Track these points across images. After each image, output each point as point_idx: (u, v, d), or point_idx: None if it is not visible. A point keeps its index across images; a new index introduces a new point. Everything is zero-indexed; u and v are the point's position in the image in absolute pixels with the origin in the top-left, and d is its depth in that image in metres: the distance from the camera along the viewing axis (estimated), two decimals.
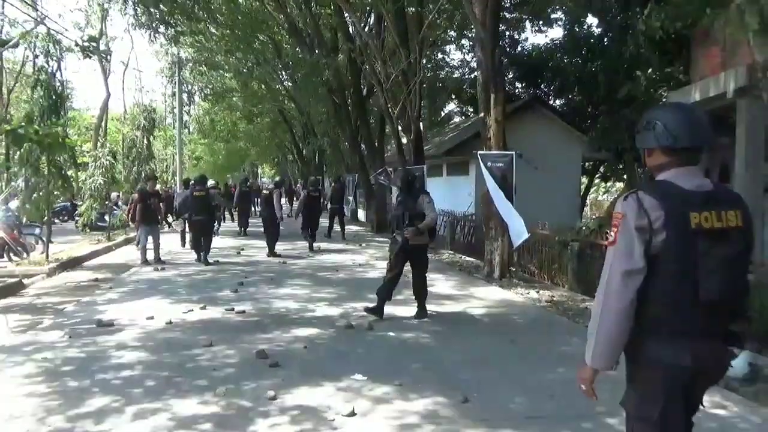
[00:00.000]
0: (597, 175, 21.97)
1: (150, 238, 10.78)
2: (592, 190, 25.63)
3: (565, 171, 16.43)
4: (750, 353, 4.65)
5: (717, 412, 3.87)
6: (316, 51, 17.32)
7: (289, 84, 24.73)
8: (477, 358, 4.93)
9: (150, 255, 10.74)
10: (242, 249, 12.82)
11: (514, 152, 8.86)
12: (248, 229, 16.44)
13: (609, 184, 25.91)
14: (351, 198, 23.40)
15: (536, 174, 13.95)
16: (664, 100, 11.41)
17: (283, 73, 23.87)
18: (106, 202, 15.40)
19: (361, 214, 24.27)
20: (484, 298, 7.69)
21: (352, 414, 3.66)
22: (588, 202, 24.35)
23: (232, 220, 19.25)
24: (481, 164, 8.80)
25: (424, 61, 13.71)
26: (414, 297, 6.49)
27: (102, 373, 4.43)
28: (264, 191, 12.96)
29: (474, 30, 9.24)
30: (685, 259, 1.90)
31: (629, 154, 13.63)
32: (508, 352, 5.17)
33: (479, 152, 8.95)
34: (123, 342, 5.30)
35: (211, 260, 10.53)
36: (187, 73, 30.13)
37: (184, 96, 35.01)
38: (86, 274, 9.55)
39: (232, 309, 6.68)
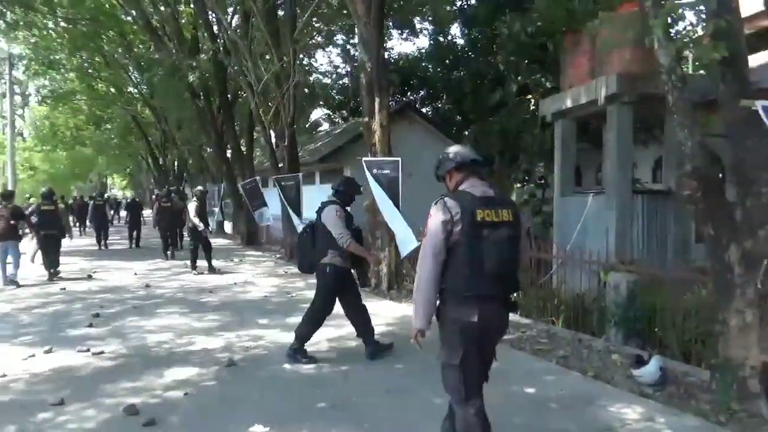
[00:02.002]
0: None
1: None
2: None
3: None
4: (660, 358, 4.65)
5: (632, 417, 3.80)
6: (174, 51, 15.88)
7: (144, 87, 22.62)
8: (393, 388, 4.40)
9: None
10: (94, 272, 11.17)
11: (400, 159, 8.51)
12: (108, 242, 16.27)
13: None
14: (216, 209, 21.90)
15: (411, 180, 13.88)
16: (533, 107, 11.83)
17: (137, 74, 21.74)
18: None
19: (228, 227, 22.86)
20: (378, 314, 7.21)
21: None
22: None
23: (80, 234, 17.28)
24: (367, 171, 8.34)
25: (298, 63, 12.99)
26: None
27: None
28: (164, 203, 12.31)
29: (357, 30, 8.76)
30: (474, 242, 2.69)
31: (500, 160, 14.05)
32: (423, 379, 4.69)
33: (364, 159, 8.48)
34: None
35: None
36: (20, 72, 26.43)
37: (17, 98, 30.75)
38: None
39: (88, 349, 5.47)
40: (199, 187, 13.65)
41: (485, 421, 2.78)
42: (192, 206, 11.18)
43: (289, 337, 5.90)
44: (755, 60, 6.41)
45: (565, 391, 4.33)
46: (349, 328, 6.29)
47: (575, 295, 6.76)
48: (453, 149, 3.03)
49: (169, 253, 13.60)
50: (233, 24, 15.44)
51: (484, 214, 2.71)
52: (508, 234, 2.77)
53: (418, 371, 4.64)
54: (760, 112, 3.29)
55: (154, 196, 28.57)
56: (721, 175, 7.50)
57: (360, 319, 5.26)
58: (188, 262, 11.21)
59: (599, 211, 8.04)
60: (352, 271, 5.32)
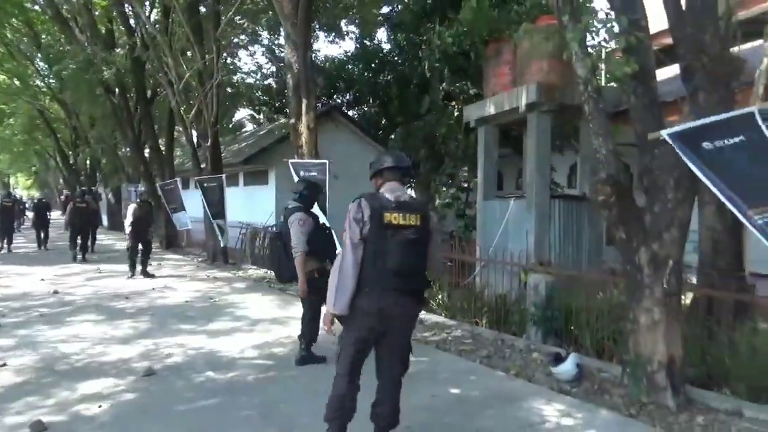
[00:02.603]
0: None
1: None
2: None
3: (364, 180, 16.64)
4: (576, 355, 4.88)
5: (551, 413, 3.97)
6: (87, 44, 15.02)
7: (53, 80, 21.23)
8: (322, 393, 4.33)
9: None
10: None
11: (327, 161, 8.48)
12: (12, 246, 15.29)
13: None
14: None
15: (337, 183, 13.88)
16: (456, 113, 12.12)
17: (45, 67, 20.37)
18: None
19: None
20: (300, 315, 7.12)
21: None
22: None
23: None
24: (293, 173, 8.26)
25: (222, 62, 12.61)
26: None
27: None
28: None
29: (282, 30, 8.62)
30: (380, 241, 2.98)
31: (425, 164, 14.29)
32: None
33: (291, 161, 8.38)
34: None
35: None
36: None
37: None
38: None
39: None
40: (142, 188, 13.03)
41: (353, 393, 3.16)
42: (131, 208, 10.64)
43: (214, 343, 5.74)
44: (661, 74, 6.88)
45: (489, 390, 4.46)
46: (275, 334, 6.19)
47: (498, 296, 6.97)
48: (383, 155, 3.33)
49: (79, 256, 12.84)
50: (152, 18, 14.80)
51: (391, 217, 2.99)
52: (413, 237, 3.03)
53: None
54: (668, 140, 3.51)
55: (63, 197, 26.87)
56: (630, 181, 7.99)
57: (311, 323, 5.14)
58: (101, 266, 10.59)
59: (520, 214, 8.35)
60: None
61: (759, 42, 3.98)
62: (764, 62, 5.21)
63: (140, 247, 10.49)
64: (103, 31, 16.41)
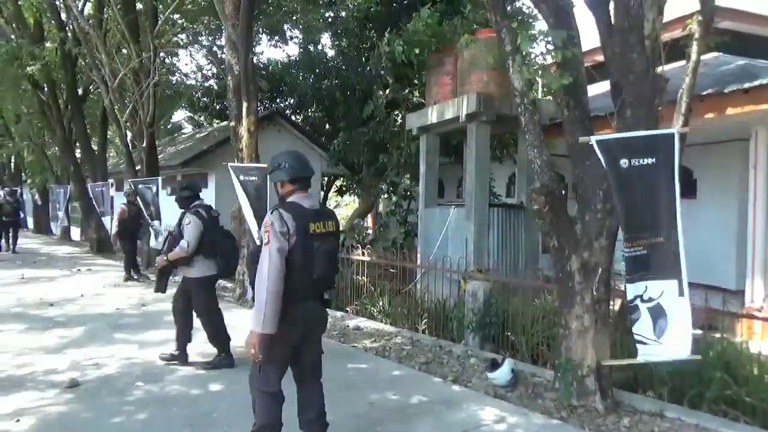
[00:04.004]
0: (333, 190, 22.80)
1: None
2: (326, 204, 26.57)
3: None
4: (512, 361, 5.00)
5: (487, 417, 4.05)
6: (13, 37, 14.23)
7: None
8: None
9: None
10: None
11: (267, 165, 8.35)
12: None
13: (343, 198, 27.17)
14: (61, 214, 19.87)
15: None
16: (399, 121, 12.23)
17: None
18: None
19: (75, 233, 20.88)
20: (239, 323, 6.96)
21: None
22: None
23: None
24: (234, 177, 8.09)
25: (159, 61, 12.21)
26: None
27: None
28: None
29: (223, 31, 8.44)
30: (307, 252, 2.95)
31: (367, 170, 14.32)
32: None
33: (231, 164, 8.20)
34: None
35: None
36: None
37: None
38: None
39: None
40: (127, 187, 12.38)
41: (281, 405, 3.12)
42: (120, 209, 10.53)
43: (146, 354, 5.54)
44: (593, 90, 7.19)
45: (427, 396, 4.50)
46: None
47: (437, 303, 7.05)
48: (287, 160, 3.13)
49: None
50: (84, 12, 14.18)
51: (315, 227, 3.00)
52: (334, 244, 3.15)
53: None
54: (595, 147, 3.71)
55: None
56: (564, 191, 8.27)
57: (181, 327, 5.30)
58: (24, 272, 10.04)
59: (460, 222, 8.49)
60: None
61: (682, 63, 4.22)
62: (686, 81, 5.53)
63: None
64: (31, 23, 15.58)
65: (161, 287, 5.42)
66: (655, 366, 4.48)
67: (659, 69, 4.13)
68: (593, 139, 3.68)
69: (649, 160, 3.40)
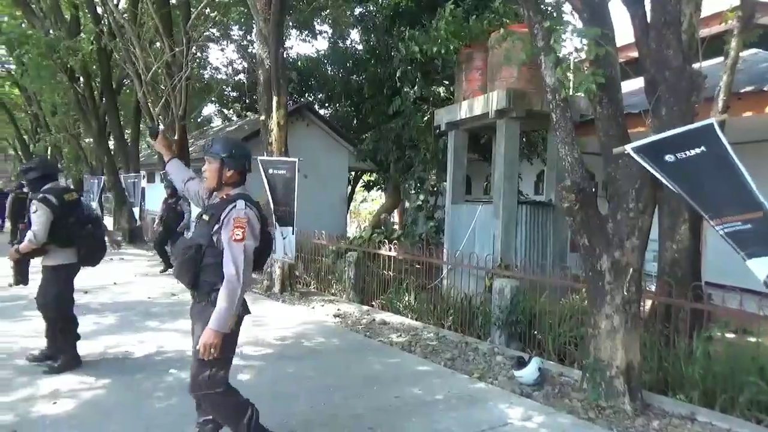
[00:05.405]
0: (360, 184, 22.86)
1: None
2: (353, 198, 26.64)
3: (333, 180, 16.73)
4: (539, 359, 4.96)
5: (512, 416, 4.02)
6: (50, 30, 14.57)
7: (12, 66, 20.53)
8: (286, 393, 4.32)
9: None
10: None
11: (297, 160, 8.41)
12: None
13: (369, 193, 27.24)
14: (95, 204, 20.35)
15: (305, 182, 13.78)
16: (427, 116, 12.18)
17: (5, 50, 19.68)
18: None
19: (108, 222, 21.35)
20: (270, 316, 7.07)
21: None
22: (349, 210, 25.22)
23: None
24: (262, 170, 8.18)
25: (191, 56, 12.37)
26: None
27: None
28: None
29: (255, 25, 8.52)
30: (260, 250, 3.01)
31: (394, 165, 14.31)
32: (309, 382, 4.66)
33: (260, 158, 8.29)
34: None
35: None
36: None
37: None
38: None
39: None
40: (169, 177, 12.64)
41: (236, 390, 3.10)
42: (163, 203, 10.40)
43: (177, 341, 5.64)
44: (627, 87, 7.06)
45: (452, 392, 4.50)
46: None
47: (464, 299, 7.04)
48: (239, 148, 3.10)
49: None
50: (120, 6, 14.45)
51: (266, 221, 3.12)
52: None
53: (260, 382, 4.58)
54: (632, 154, 3.57)
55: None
56: (595, 189, 8.15)
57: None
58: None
59: (487, 219, 8.45)
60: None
61: (720, 59, 4.12)
62: (723, 78, 5.40)
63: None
64: (68, 17, 15.94)
65: (21, 279, 4.91)
66: (687, 368, 4.41)
67: (696, 65, 4.03)
68: (628, 148, 3.56)
69: (697, 150, 3.16)
